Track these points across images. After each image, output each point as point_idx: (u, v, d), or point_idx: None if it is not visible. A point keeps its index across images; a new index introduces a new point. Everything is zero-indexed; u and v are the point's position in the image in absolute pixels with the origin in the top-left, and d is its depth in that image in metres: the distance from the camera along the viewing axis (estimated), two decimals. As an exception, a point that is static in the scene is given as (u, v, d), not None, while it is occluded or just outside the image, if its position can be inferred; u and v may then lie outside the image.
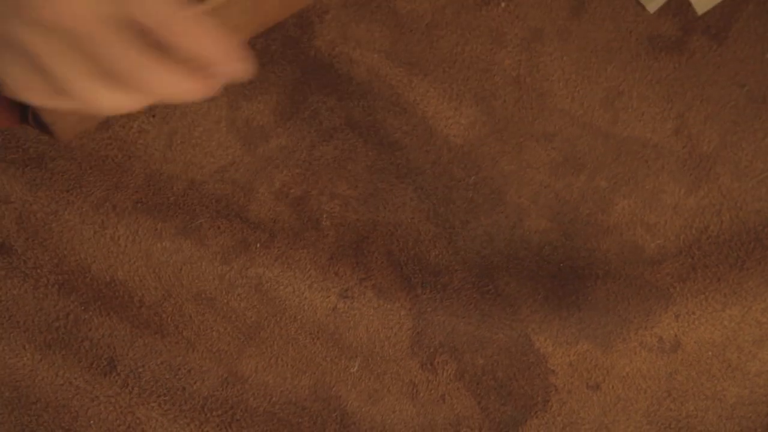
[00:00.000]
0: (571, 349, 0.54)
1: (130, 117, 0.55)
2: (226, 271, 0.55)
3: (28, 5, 0.30)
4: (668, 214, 0.55)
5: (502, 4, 0.55)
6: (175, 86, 0.31)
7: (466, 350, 0.54)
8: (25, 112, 0.37)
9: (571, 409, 0.54)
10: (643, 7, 0.55)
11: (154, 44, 0.31)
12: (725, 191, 0.55)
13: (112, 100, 0.32)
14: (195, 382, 0.54)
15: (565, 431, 0.54)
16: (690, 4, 0.55)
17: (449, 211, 0.56)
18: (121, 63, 0.31)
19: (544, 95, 0.56)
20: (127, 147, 0.55)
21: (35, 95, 0.32)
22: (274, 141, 0.55)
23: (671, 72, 0.56)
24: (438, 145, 0.56)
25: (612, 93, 0.55)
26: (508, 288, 0.55)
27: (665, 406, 0.54)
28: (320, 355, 0.54)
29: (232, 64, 0.32)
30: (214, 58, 0.32)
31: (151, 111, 0.55)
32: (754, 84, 0.56)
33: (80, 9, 0.30)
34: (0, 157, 0.54)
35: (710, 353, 0.55)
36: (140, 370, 0.54)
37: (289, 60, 0.56)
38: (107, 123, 0.55)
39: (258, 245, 0.55)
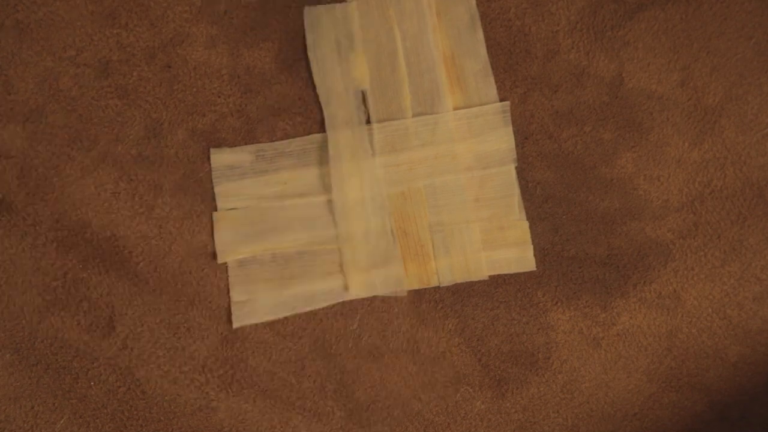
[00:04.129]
0: (571, 305, 0.54)
1: (130, 65, 0.54)
2: (225, 227, 0.54)
3: None
4: (672, 167, 0.55)
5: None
6: None
7: (467, 305, 0.54)
8: None
9: (572, 366, 0.54)
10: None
11: None
12: (730, 145, 0.55)
13: None
14: (194, 341, 0.54)
15: (565, 389, 0.54)
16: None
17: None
18: None
19: (549, 45, 0.55)
20: (127, 95, 0.54)
21: None
22: (276, 88, 0.55)
23: (678, 23, 0.55)
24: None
25: (618, 43, 0.55)
26: (510, 245, 0.55)
27: (666, 364, 0.55)
28: (320, 312, 0.54)
29: None
30: None
31: (152, 58, 0.54)
32: (762, 36, 0.55)
33: None
34: (0, 111, 0.53)
35: (710, 310, 0.55)
36: (139, 329, 0.53)
37: (291, 6, 0.55)
38: (106, 71, 0.54)
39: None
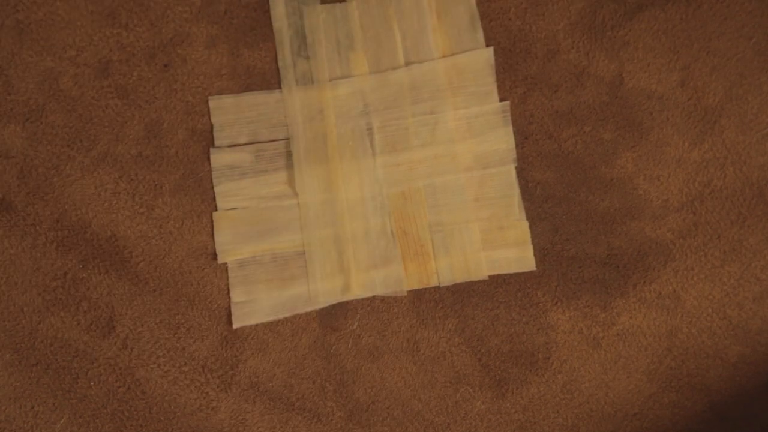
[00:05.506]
0: (571, 305, 0.54)
1: (130, 65, 0.54)
2: (225, 227, 0.54)
3: None
4: (672, 167, 0.55)
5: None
6: None
7: (467, 305, 0.54)
8: None
9: (571, 366, 0.54)
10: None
11: None
12: (729, 145, 0.55)
13: None
14: (194, 342, 0.54)
15: (565, 389, 0.54)
16: (696, -42, 0.54)
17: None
18: None
19: (549, 45, 0.55)
20: (127, 95, 0.54)
21: None
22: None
23: (678, 23, 0.55)
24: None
25: (618, 43, 0.55)
26: (510, 245, 0.55)
27: (666, 364, 0.55)
28: (320, 312, 0.54)
29: None
30: None
31: (152, 58, 0.54)
32: (761, 36, 0.55)
33: None
34: (0, 111, 0.53)
35: (710, 310, 0.55)
36: (139, 329, 0.53)
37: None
38: (106, 71, 0.54)
39: (258, 199, 0.55)
